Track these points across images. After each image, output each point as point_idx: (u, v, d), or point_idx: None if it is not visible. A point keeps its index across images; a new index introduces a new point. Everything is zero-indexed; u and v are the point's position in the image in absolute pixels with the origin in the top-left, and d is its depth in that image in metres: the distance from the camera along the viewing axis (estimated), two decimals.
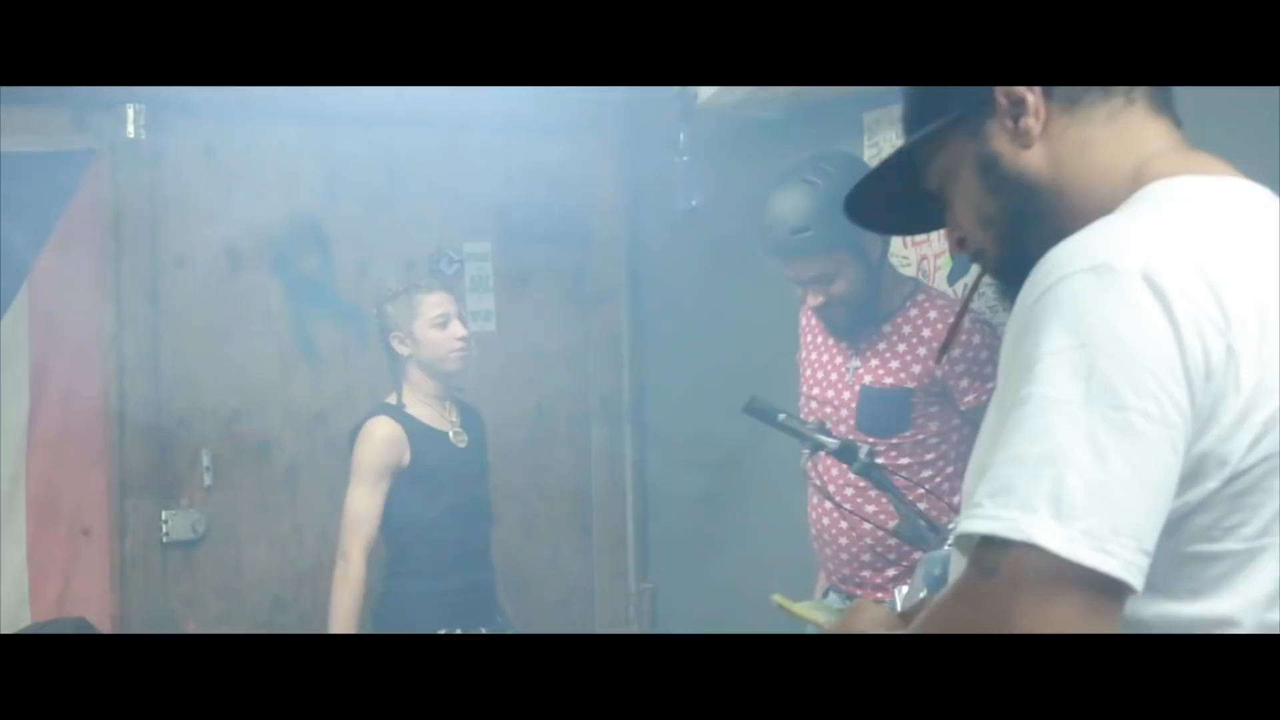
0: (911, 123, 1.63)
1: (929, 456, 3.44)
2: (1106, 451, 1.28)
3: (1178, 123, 1.54)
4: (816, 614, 2.24)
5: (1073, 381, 1.29)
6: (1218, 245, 1.37)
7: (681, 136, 4.36)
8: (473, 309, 4.97)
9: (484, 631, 4.19)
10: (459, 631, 4.12)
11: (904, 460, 3.42)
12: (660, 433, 5.20)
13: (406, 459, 4.15)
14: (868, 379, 3.49)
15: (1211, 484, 1.34)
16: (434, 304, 4.18)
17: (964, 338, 3.38)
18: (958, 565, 1.42)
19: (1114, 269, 1.32)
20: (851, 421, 3.50)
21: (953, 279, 3.83)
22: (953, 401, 3.42)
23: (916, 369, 3.43)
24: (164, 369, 4.59)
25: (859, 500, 3.48)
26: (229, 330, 4.64)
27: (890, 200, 1.72)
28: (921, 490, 3.33)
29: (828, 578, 3.63)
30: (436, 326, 4.18)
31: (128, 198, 4.51)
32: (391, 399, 4.23)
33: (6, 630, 4.08)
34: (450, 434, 4.24)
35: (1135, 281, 1.31)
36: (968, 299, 1.78)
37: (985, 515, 1.31)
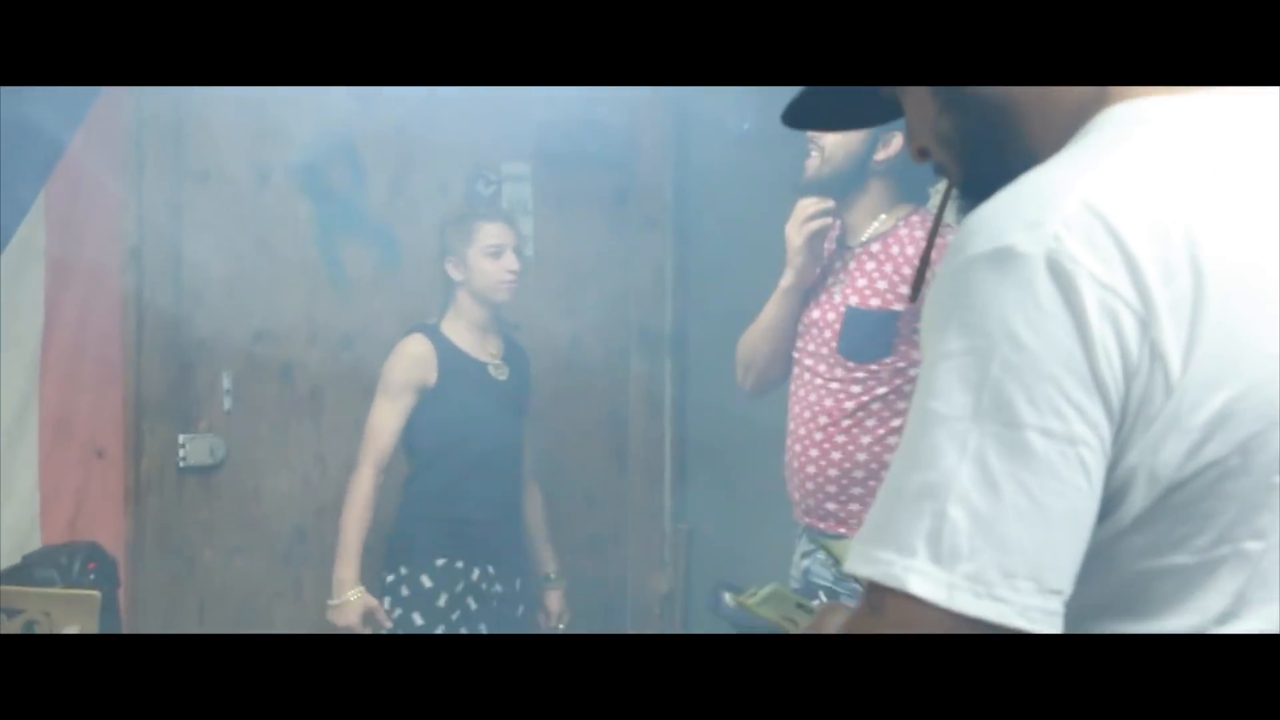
0: None
1: (909, 388, 3.38)
2: (998, 478, 1.10)
3: None
4: (773, 614, 2.19)
5: (963, 393, 1.12)
6: (1162, 201, 1.15)
7: None
8: None
9: (491, 570, 4.19)
10: (460, 565, 4.14)
11: (880, 390, 3.43)
12: (702, 368, 5.04)
13: (433, 378, 4.17)
14: (854, 299, 3.48)
15: (1143, 501, 1.16)
16: (491, 233, 4.18)
17: (910, 252, 3.41)
18: None
19: (1015, 255, 1.12)
20: (834, 344, 3.48)
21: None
22: None
23: (904, 290, 3.40)
24: (185, 287, 4.45)
25: (831, 429, 3.47)
26: (254, 248, 4.50)
27: (839, 96, 1.50)
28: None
29: (795, 509, 3.62)
30: (490, 256, 4.18)
31: (151, 106, 4.36)
32: (433, 319, 4.22)
33: (16, 553, 3.97)
34: (490, 365, 4.23)
35: (1037, 270, 1.11)
36: (936, 221, 1.55)
37: (863, 555, 1.15)
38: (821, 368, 3.54)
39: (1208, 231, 1.14)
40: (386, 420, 4.16)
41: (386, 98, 4.59)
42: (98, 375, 4.38)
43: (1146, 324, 1.12)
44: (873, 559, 1.14)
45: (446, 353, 4.19)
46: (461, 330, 4.23)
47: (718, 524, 4.90)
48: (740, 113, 4.21)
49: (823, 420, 3.50)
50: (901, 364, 3.42)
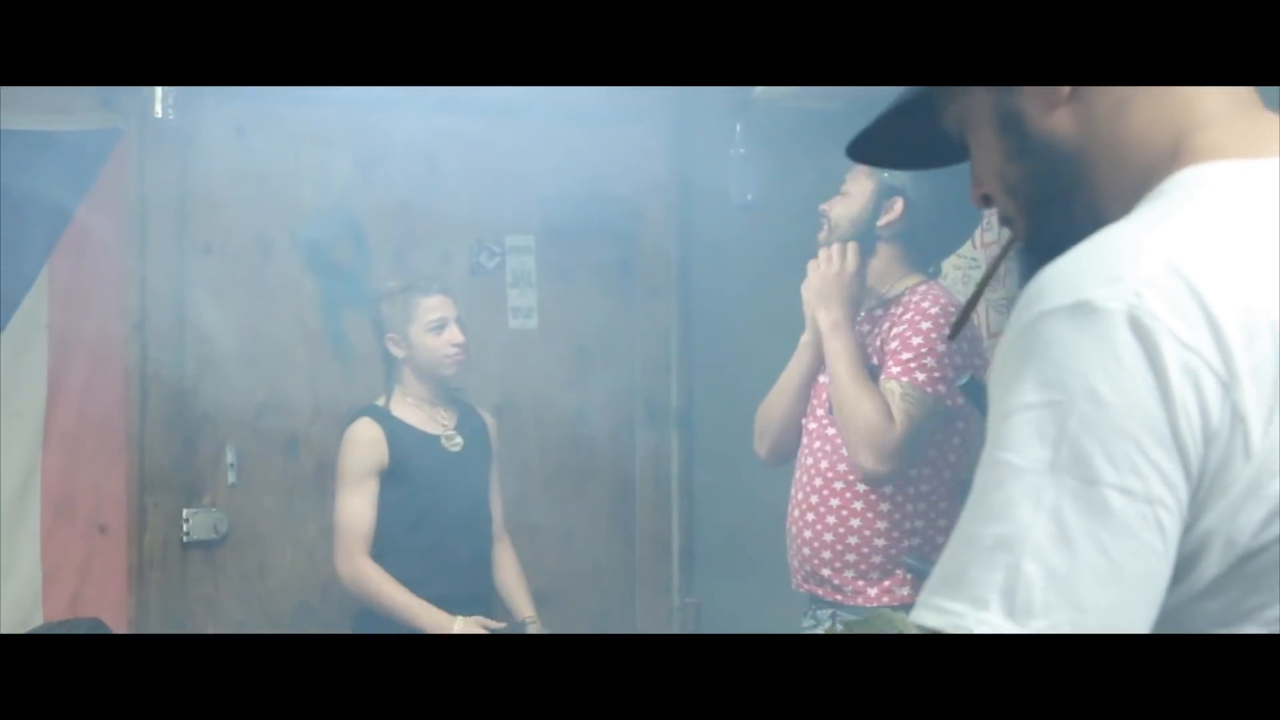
0: None
1: None
2: (1074, 534, 1.08)
3: None
4: None
5: (1040, 447, 1.10)
6: (1242, 265, 1.12)
7: (738, 128, 4.23)
8: (514, 305, 4.80)
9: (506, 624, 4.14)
10: None
11: None
12: (709, 439, 5.02)
13: (386, 462, 4.08)
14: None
15: (1217, 567, 1.13)
16: (431, 308, 4.09)
17: (914, 321, 3.38)
18: None
19: (1095, 309, 1.10)
20: (829, 405, 3.48)
21: (1022, 281, 3.64)
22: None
23: (905, 356, 3.38)
24: (189, 360, 4.46)
25: (826, 493, 3.46)
26: (258, 322, 4.50)
27: (906, 137, 1.49)
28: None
29: (795, 576, 3.60)
30: (432, 331, 4.09)
31: (154, 180, 4.39)
32: (380, 400, 4.16)
33: (18, 630, 3.96)
34: (442, 437, 4.15)
35: (1119, 326, 1.09)
36: (994, 265, 1.54)
37: (934, 606, 1.13)
38: (818, 430, 3.55)
39: None
40: (357, 508, 4.07)
41: (388, 171, 4.61)
42: (101, 449, 4.37)
43: (1228, 387, 1.09)
44: (942, 610, 1.12)
45: (396, 432, 4.10)
46: (409, 407, 4.15)
47: (726, 599, 4.84)
48: (743, 183, 4.20)
49: (818, 483, 3.49)
50: None
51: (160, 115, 4.35)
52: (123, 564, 4.40)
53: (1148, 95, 1.25)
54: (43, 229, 4.25)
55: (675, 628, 4.99)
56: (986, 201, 1.40)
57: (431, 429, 4.16)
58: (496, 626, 4.04)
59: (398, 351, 4.13)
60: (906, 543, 3.40)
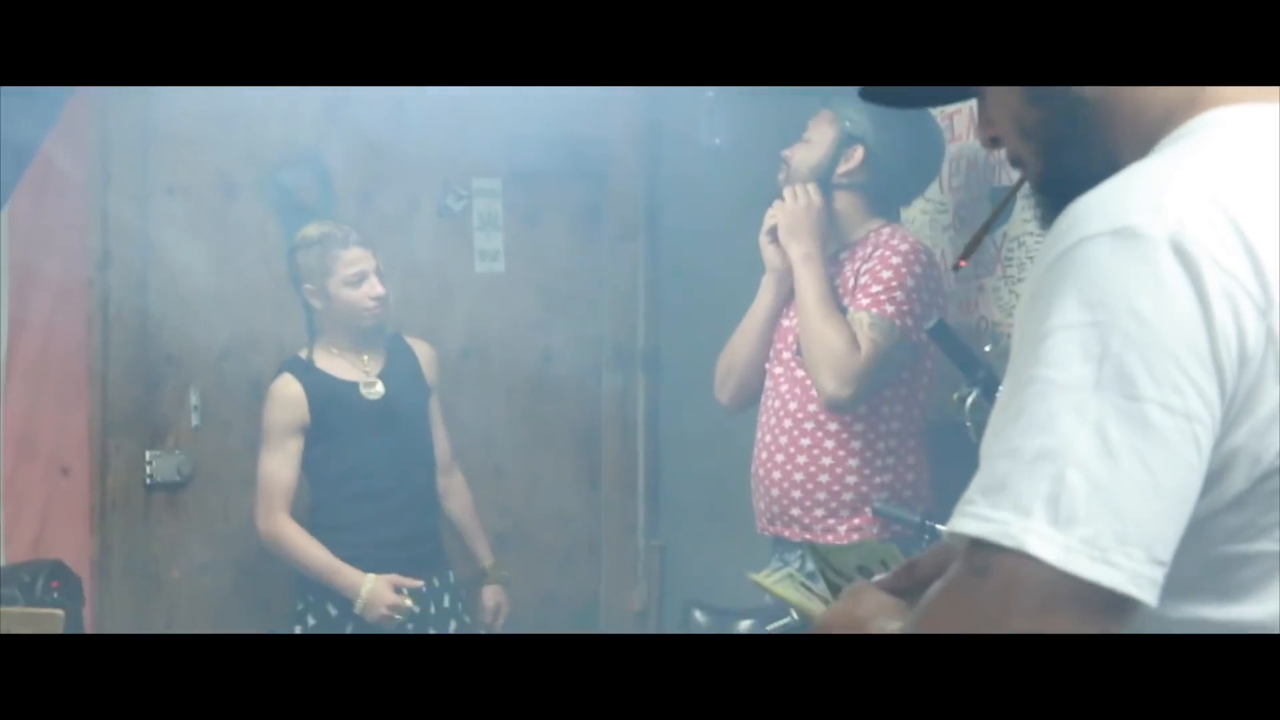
0: None
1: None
2: (1116, 447, 1.14)
3: None
4: (793, 593, 2.15)
5: (1083, 364, 1.15)
6: (1269, 199, 1.18)
7: None
8: (480, 248, 4.77)
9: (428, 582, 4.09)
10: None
11: None
12: (676, 383, 5.02)
13: (308, 417, 4.05)
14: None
15: (1242, 483, 1.19)
16: (350, 260, 4.03)
17: (884, 256, 3.44)
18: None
19: (1139, 234, 1.16)
20: (796, 347, 3.53)
21: (994, 229, 3.67)
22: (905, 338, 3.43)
23: (876, 290, 3.44)
24: (152, 302, 4.40)
25: (796, 433, 3.51)
26: (222, 263, 4.44)
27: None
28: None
29: (760, 519, 3.66)
30: (350, 285, 4.03)
31: (118, 120, 4.32)
32: (303, 353, 4.13)
33: None
34: (361, 384, 4.10)
35: (1162, 250, 1.15)
36: (1003, 203, 1.62)
37: (975, 514, 1.18)
38: (784, 374, 3.60)
39: None
40: (274, 467, 4.07)
41: (355, 112, 4.55)
42: (63, 391, 4.32)
43: (1264, 312, 1.15)
44: (986, 518, 1.16)
45: (316, 386, 4.07)
46: (332, 356, 4.12)
47: (691, 541, 4.85)
48: (712, 126, 4.18)
49: (787, 424, 3.54)
50: None
51: None
52: (85, 506, 4.36)
53: None
54: (2, 168, 4.17)
55: (640, 570, 4.99)
56: (995, 143, 1.44)
57: (352, 376, 4.11)
58: (411, 584, 4.00)
59: (316, 303, 4.08)
60: (878, 479, 3.45)
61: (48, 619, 3.33)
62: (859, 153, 3.53)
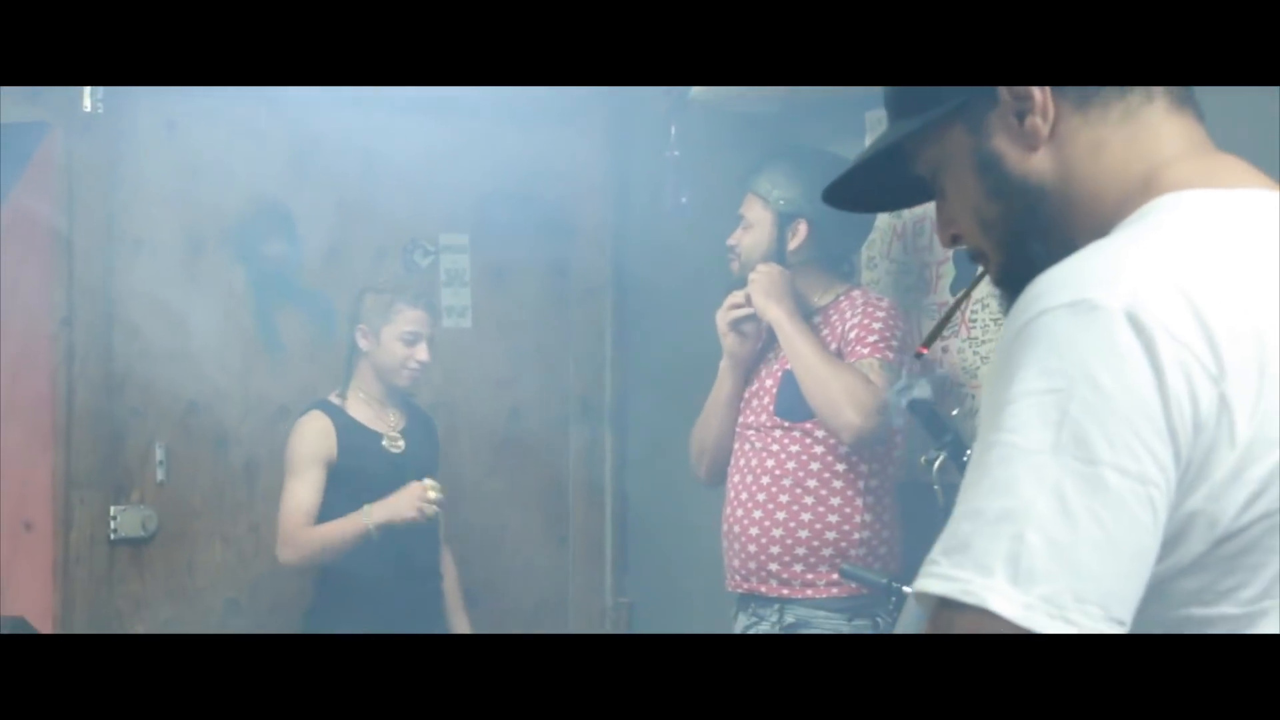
0: (900, 106, 1.48)
1: (843, 450, 3.50)
2: (1074, 509, 1.17)
3: (1200, 119, 1.41)
4: None
5: (1042, 429, 1.19)
6: (1219, 275, 1.23)
7: (673, 130, 4.25)
8: (447, 304, 4.78)
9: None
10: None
11: (818, 449, 3.53)
12: (643, 439, 5.01)
13: (335, 453, 4.13)
14: (790, 365, 3.55)
15: (1200, 545, 1.22)
16: (411, 319, 4.14)
17: (869, 311, 3.52)
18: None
19: (1095, 306, 1.20)
20: (771, 408, 3.60)
21: (955, 288, 3.71)
22: None
23: (860, 348, 3.51)
24: (117, 355, 4.40)
25: (774, 490, 3.56)
26: (188, 317, 4.44)
27: (872, 178, 1.58)
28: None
29: (732, 577, 3.68)
30: (404, 341, 4.14)
31: (83, 175, 4.33)
32: (334, 395, 4.22)
33: None
34: (385, 438, 4.19)
35: (1118, 321, 1.19)
36: (962, 297, 1.69)
37: (939, 574, 1.20)
38: (760, 433, 3.63)
39: (1262, 304, 1.23)
40: (299, 494, 4.12)
41: (322, 165, 4.56)
42: (27, 445, 4.31)
43: (1217, 379, 1.19)
44: (949, 577, 1.18)
45: (345, 427, 4.16)
46: (360, 403, 4.21)
47: (659, 599, 4.84)
48: (678, 185, 4.19)
49: (765, 481, 3.57)
50: None
51: (89, 109, 4.28)
52: (48, 561, 4.35)
53: (1123, 133, 1.36)
54: None
55: (608, 627, 4.98)
56: (955, 240, 1.48)
57: (377, 427, 4.21)
58: (436, 496, 4.05)
59: (364, 344, 4.17)
60: (857, 535, 3.48)
61: None
62: (803, 227, 3.61)
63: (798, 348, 3.48)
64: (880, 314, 3.52)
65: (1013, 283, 1.37)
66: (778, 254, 3.62)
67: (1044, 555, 1.16)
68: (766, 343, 3.71)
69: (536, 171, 4.81)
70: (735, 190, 3.81)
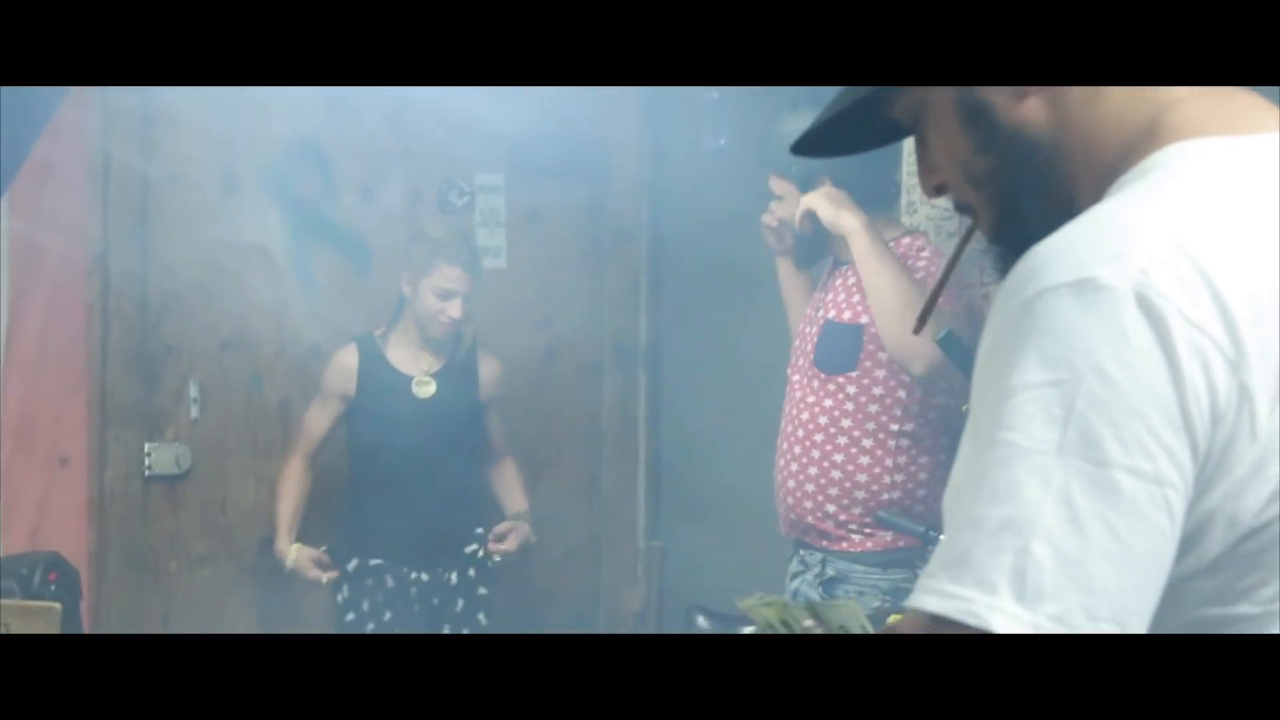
0: None
1: (874, 408, 3.44)
2: (1083, 516, 1.06)
3: None
4: (776, 622, 2.08)
5: (1046, 427, 1.07)
6: (1236, 242, 1.11)
7: None
8: (482, 244, 4.74)
9: (409, 572, 4.27)
10: (414, 574, 4.26)
11: (849, 406, 3.46)
12: (677, 383, 4.98)
13: (352, 389, 4.26)
14: (831, 313, 3.52)
15: (1219, 545, 1.12)
16: (447, 275, 4.19)
17: (911, 260, 3.44)
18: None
19: (1100, 286, 1.08)
20: (812, 357, 3.54)
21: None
22: None
23: None
24: (152, 293, 4.40)
25: (807, 443, 3.51)
26: (222, 255, 4.42)
27: (844, 123, 1.44)
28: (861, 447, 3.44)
29: (781, 523, 3.64)
30: (437, 295, 4.19)
31: (117, 111, 4.30)
32: (380, 330, 4.30)
33: None
34: (415, 380, 4.27)
35: (1126, 303, 1.07)
36: (953, 261, 1.52)
37: (937, 590, 1.09)
38: (801, 381, 3.59)
39: None
40: (312, 419, 4.33)
41: (357, 105, 4.53)
42: (62, 382, 4.31)
43: (1236, 366, 1.08)
44: (948, 594, 1.09)
45: (371, 365, 4.26)
46: (398, 343, 4.30)
47: (692, 542, 4.81)
48: (716, 127, 4.15)
49: (800, 434, 3.54)
50: (866, 381, 3.45)
51: None
52: (83, 498, 4.35)
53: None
54: (1, 157, 4.16)
55: (640, 571, 4.96)
56: (939, 191, 1.37)
57: (409, 369, 4.27)
58: (323, 563, 4.21)
59: (406, 290, 4.25)
60: (888, 487, 3.42)
61: (45, 612, 3.29)
62: (827, 184, 3.46)
63: (872, 262, 3.32)
64: (922, 261, 3.45)
65: (1008, 241, 1.28)
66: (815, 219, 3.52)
67: (1052, 569, 1.06)
68: (823, 283, 3.64)
69: (573, 112, 4.76)
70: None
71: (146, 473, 4.43)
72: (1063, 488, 1.06)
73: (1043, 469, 1.07)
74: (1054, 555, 1.05)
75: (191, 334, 4.44)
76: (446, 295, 4.17)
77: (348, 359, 4.27)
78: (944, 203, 3.71)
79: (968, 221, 1.39)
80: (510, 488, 4.51)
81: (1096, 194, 1.21)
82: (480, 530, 4.34)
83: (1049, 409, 1.07)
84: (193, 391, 4.48)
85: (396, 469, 4.21)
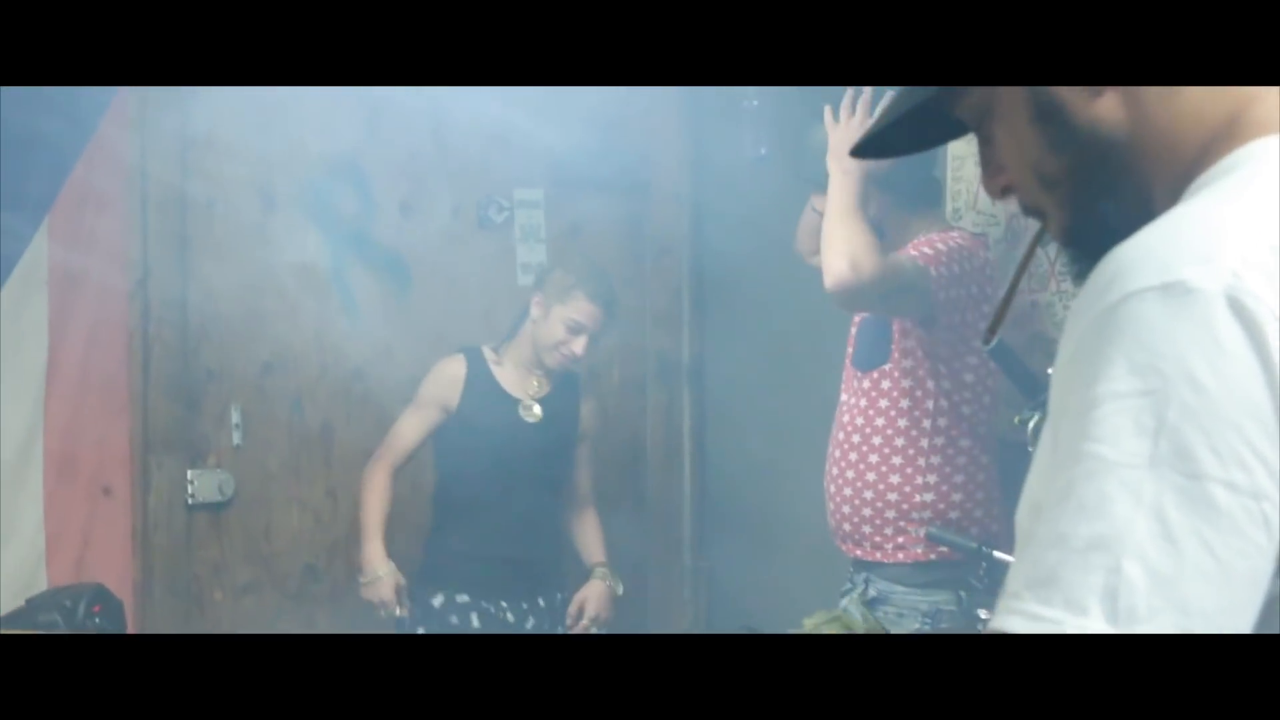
0: None
1: (905, 403, 3.41)
2: (1178, 533, 1.01)
3: None
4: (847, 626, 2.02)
5: (1136, 439, 1.02)
6: None
7: None
8: (522, 260, 4.71)
9: (488, 606, 4.17)
10: (482, 604, 4.15)
11: (882, 403, 3.44)
12: (721, 397, 4.94)
13: (455, 402, 4.15)
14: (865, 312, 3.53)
15: None
16: (581, 310, 4.13)
17: (938, 236, 3.37)
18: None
19: (1190, 289, 1.03)
20: (851, 357, 3.55)
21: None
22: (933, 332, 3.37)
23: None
24: (192, 318, 4.36)
25: (846, 447, 3.49)
26: (262, 278, 4.40)
27: (903, 124, 1.40)
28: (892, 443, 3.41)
29: (834, 536, 3.60)
30: (568, 327, 4.12)
31: (155, 131, 4.27)
32: (490, 347, 4.26)
33: (21, 595, 3.89)
34: (522, 404, 4.18)
35: (1218, 307, 1.02)
36: (1022, 265, 1.49)
37: (1023, 611, 1.05)
38: (844, 387, 3.59)
39: None
40: (406, 428, 4.20)
41: (396, 122, 4.50)
42: (103, 409, 4.27)
43: None
44: (1036, 615, 1.04)
45: (478, 380, 4.17)
46: (509, 363, 4.23)
47: (740, 560, 4.78)
48: (756, 136, 4.10)
49: (840, 436, 3.54)
50: (897, 373, 3.42)
51: None
52: (126, 526, 4.31)
53: None
54: (42, 182, 4.13)
55: (687, 590, 4.91)
56: (1005, 192, 1.33)
57: (517, 392, 4.21)
58: (403, 594, 4.06)
59: (535, 313, 4.17)
60: (919, 498, 3.39)
61: None
62: (874, 198, 3.39)
63: (834, 196, 3.28)
64: (944, 245, 3.37)
65: (1082, 243, 1.24)
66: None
67: (1145, 590, 1.01)
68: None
69: (612, 125, 4.74)
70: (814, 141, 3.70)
71: (190, 501, 4.38)
72: (1155, 503, 1.01)
73: (1133, 483, 1.02)
74: (1147, 574, 1.01)
75: (232, 358, 4.41)
76: (576, 329, 4.11)
77: (455, 369, 4.19)
78: (988, 208, 3.68)
79: (1012, 227, 1.35)
80: (591, 538, 4.42)
81: (1174, 194, 1.17)
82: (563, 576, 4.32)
83: (1139, 419, 1.03)
84: (234, 417, 4.44)
85: (488, 493, 4.14)
